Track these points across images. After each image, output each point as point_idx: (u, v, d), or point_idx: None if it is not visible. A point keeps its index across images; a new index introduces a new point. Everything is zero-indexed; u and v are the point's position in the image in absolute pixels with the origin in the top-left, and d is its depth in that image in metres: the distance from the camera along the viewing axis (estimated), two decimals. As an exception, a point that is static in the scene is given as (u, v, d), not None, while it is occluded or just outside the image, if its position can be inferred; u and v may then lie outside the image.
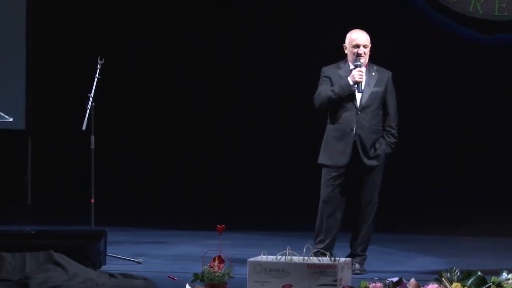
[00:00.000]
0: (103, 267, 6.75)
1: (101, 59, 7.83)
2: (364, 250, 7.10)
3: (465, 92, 11.07)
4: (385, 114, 7.12)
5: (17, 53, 11.15)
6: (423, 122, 11.11)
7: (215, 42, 11.40)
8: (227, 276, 6.03)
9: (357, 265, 6.97)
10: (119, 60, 10.71)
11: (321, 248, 6.82)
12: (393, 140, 7.10)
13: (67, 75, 11.16)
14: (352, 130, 6.99)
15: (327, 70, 7.12)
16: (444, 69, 11.09)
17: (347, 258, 6.39)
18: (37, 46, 11.37)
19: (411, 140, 10.72)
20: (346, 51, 7.09)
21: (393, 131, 7.12)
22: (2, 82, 10.73)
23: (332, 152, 7.03)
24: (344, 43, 7.09)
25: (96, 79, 7.75)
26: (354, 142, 6.99)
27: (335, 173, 7.01)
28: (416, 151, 11.00)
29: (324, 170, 7.06)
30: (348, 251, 7.04)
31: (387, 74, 7.14)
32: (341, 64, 7.12)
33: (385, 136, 7.09)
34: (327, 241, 7.00)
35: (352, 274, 6.47)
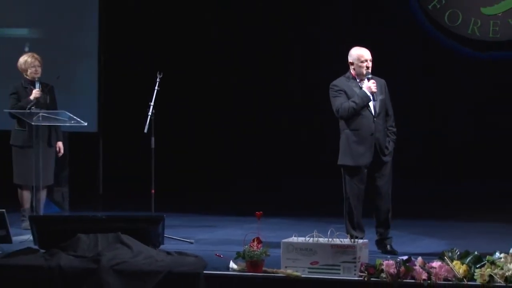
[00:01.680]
0: (161, 247, 6.76)
1: (160, 74, 7.88)
2: (390, 233, 7.09)
3: (464, 100, 11.02)
4: (386, 115, 7.07)
5: (90, 69, 11.21)
6: (427, 124, 11.06)
7: (248, 49, 11.37)
8: (264, 254, 6.04)
9: (388, 247, 6.95)
10: (176, 72, 10.75)
11: (356, 232, 6.83)
12: (395, 137, 7.09)
13: (132, 87, 11.21)
14: (372, 134, 6.94)
15: (339, 84, 7.03)
16: (446, 80, 11.03)
17: (365, 240, 6.37)
18: (107, 62, 11.43)
19: (417, 140, 10.70)
20: (352, 66, 7.01)
21: (394, 130, 7.11)
22: (78, 93, 10.80)
23: (353, 154, 6.96)
24: (348, 59, 7.01)
25: (155, 90, 7.80)
26: (374, 144, 6.95)
27: (357, 172, 6.98)
28: (420, 150, 10.96)
29: (347, 170, 7.01)
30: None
31: (383, 82, 7.09)
32: (348, 77, 7.05)
33: (389, 135, 7.06)
34: (360, 227, 6.98)
35: (387, 254, 6.65)
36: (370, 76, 6.94)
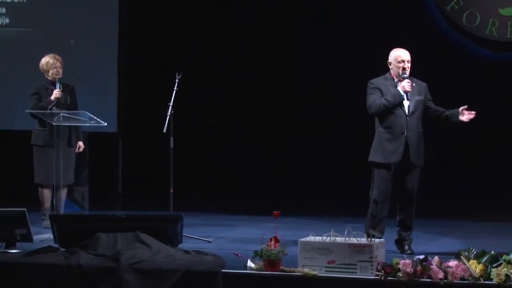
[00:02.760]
0: (180, 245, 6.77)
1: (178, 75, 7.90)
2: (411, 234, 7.09)
3: (480, 100, 10.97)
4: (430, 108, 7.12)
5: (110, 70, 11.26)
6: (443, 123, 11.00)
7: (269, 55, 11.37)
8: (281, 253, 6.04)
9: (406, 247, 6.96)
10: (194, 72, 10.79)
11: (375, 232, 6.83)
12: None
13: (151, 87, 11.25)
14: (403, 133, 6.95)
15: (376, 82, 7.09)
16: (463, 80, 11.01)
17: (382, 239, 6.37)
18: (126, 65, 11.48)
19: (432, 140, 10.66)
20: (390, 67, 7.06)
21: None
22: (98, 94, 10.84)
23: (384, 152, 6.98)
24: (388, 59, 7.07)
25: (174, 91, 7.82)
26: (406, 143, 6.96)
27: (386, 169, 6.98)
28: (435, 149, 10.94)
29: (376, 167, 7.02)
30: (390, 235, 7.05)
31: (424, 85, 7.14)
32: (386, 77, 7.10)
33: (436, 109, 7.10)
34: (379, 227, 6.99)
35: (404, 254, 6.67)
36: (405, 76, 6.98)
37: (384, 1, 11.16)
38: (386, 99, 6.96)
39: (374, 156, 7.04)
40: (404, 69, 6.98)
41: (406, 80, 6.96)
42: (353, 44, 11.05)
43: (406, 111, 6.98)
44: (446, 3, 10.98)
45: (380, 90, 7.02)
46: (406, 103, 6.99)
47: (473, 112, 7.03)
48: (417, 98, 7.03)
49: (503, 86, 10.85)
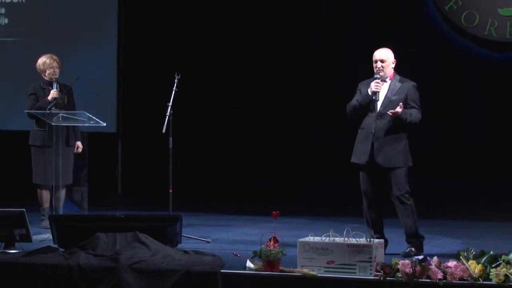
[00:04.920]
0: (179, 245, 6.78)
1: (178, 75, 7.89)
2: (412, 238, 7.02)
3: (479, 101, 10.99)
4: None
5: (109, 70, 11.28)
6: (444, 123, 11.03)
7: (269, 56, 11.37)
8: (281, 253, 6.04)
9: (413, 249, 6.89)
10: (194, 72, 10.79)
11: (371, 232, 6.83)
12: (411, 116, 6.88)
13: (151, 87, 11.25)
14: (372, 133, 6.94)
15: (360, 84, 7.12)
16: (462, 81, 11.01)
17: (381, 240, 6.37)
18: (125, 65, 11.49)
19: (432, 140, 10.68)
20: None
21: (416, 114, 6.92)
22: (98, 95, 10.84)
23: (357, 152, 7.00)
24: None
25: (173, 91, 7.82)
26: (372, 143, 6.92)
27: (361, 170, 6.97)
28: (435, 149, 10.94)
29: (356, 167, 7.03)
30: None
31: (409, 84, 7.01)
32: (371, 78, 7.10)
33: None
34: (373, 226, 6.97)
35: (411, 256, 6.49)
36: (378, 76, 6.94)
37: (384, 1, 11.16)
38: (357, 100, 6.99)
39: (352, 157, 7.06)
40: (376, 68, 6.96)
41: (375, 81, 6.94)
42: (353, 44, 11.04)
43: (377, 111, 6.96)
44: (445, 3, 10.98)
45: (361, 92, 7.04)
46: (379, 103, 6.97)
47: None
48: (393, 98, 6.94)
49: (503, 86, 10.85)
